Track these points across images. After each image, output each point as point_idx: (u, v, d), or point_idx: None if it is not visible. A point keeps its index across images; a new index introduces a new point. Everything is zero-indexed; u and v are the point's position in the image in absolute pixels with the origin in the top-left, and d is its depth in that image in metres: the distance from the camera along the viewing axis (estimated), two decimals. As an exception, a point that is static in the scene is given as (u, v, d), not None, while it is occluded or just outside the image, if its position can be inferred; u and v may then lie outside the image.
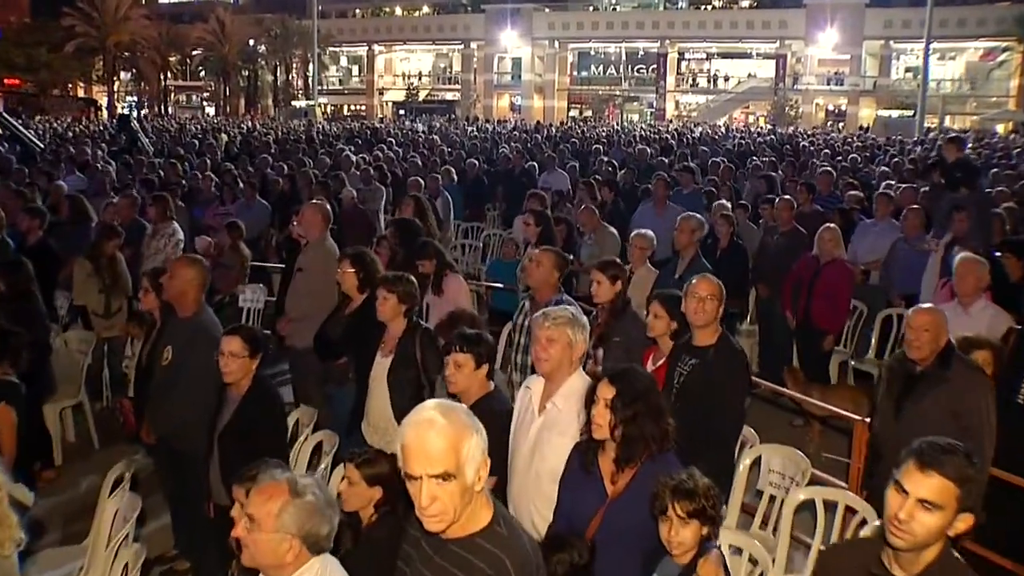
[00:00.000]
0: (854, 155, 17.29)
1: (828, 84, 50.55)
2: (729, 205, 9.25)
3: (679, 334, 4.58)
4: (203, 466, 4.18)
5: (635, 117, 56.42)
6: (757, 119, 54.03)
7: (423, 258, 6.32)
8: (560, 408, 3.59)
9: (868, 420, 4.62)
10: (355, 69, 63.63)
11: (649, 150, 16.36)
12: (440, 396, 4.49)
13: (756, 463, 4.67)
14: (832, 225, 7.25)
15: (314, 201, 6.75)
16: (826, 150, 19.72)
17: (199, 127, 32.60)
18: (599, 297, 5.05)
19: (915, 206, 8.14)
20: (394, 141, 21.62)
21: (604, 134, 28.84)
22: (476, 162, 14.27)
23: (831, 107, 52.68)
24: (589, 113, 56.09)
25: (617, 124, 43.90)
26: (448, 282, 6.33)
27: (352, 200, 10.79)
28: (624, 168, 14.55)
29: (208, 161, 14.67)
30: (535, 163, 14.96)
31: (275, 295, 9.62)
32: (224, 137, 25.39)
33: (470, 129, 34.41)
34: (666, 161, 14.79)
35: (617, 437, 3.07)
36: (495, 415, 3.80)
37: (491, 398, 3.88)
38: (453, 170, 13.53)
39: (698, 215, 7.00)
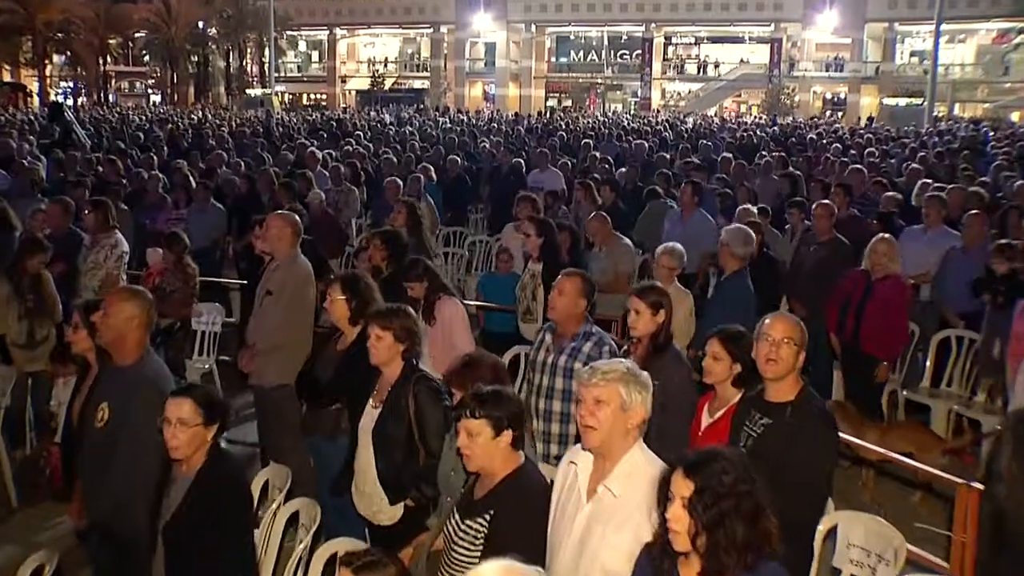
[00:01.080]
0: (871, 149, 16.84)
1: (827, 70, 50.51)
2: (755, 210, 8.70)
3: (745, 380, 3.99)
4: (146, 559, 3.51)
5: (618, 107, 56.16)
6: (750, 108, 54.05)
7: (412, 279, 5.73)
8: (617, 495, 2.97)
9: (978, 485, 4.04)
10: (315, 55, 62.74)
11: (647, 144, 15.79)
12: (446, 468, 3.88)
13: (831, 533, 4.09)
14: (887, 236, 6.71)
15: (281, 212, 6.08)
16: (837, 143, 19.30)
17: (144, 118, 31.59)
18: (637, 329, 4.45)
19: (975, 211, 7.62)
20: (362, 135, 20.88)
21: (590, 126, 28.33)
22: (457, 158, 13.62)
23: (828, 95, 52.72)
24: (569, 103, 55.67)
25: (600, 114, 43.41)
26: (442, 308, 5.74)
27: (321, 204, 10.14)
28: (621, 165, 14.00)
29: (155, 157, 13.90)
30: (521, 159, 14.37)
31: (235, 315, 9.18)
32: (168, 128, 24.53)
33: (442, 120, 33.78)
34: (668, 157, 14.22)
35: (701, 546, 2.46)
36: (529, 498, 3.19)
37: (522, 476, 3.26)
38: (432, 168, 12.88)
39: (745, 227, 6.41)
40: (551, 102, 57.00)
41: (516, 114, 36.51)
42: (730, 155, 13.78)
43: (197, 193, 10.46)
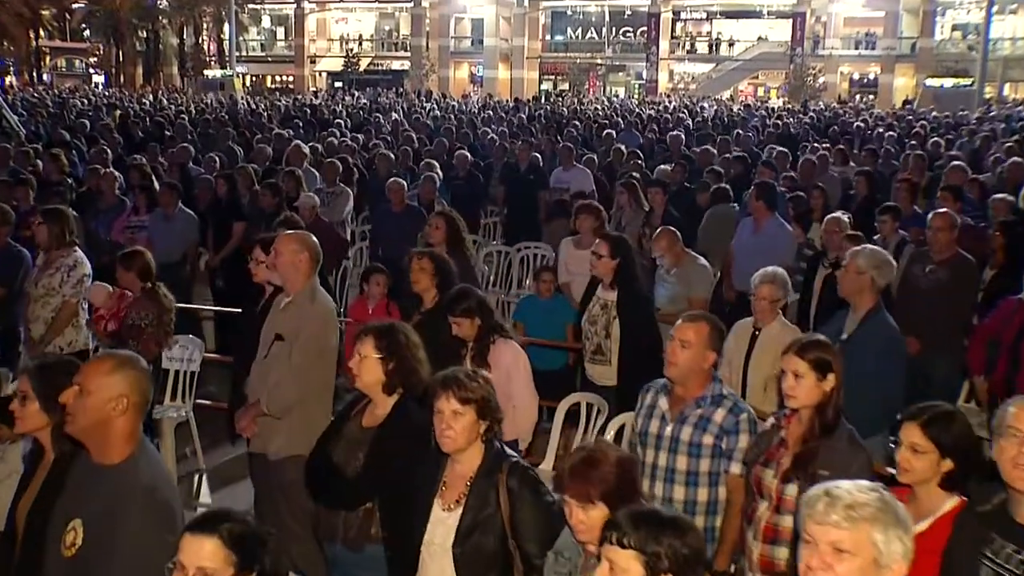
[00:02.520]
0: (935, 139, 16.18)
1: (857, 48, 50.00)
2: (846, 219, 7.92)
3: (958, 482, 3.20)
4: None
5: (620, 90, 55.59)
6: (767, 92, 53.64)
7: (461, 315, 4.95)
8: None
9: None
10: (280, 31, 61.76)
11: (683, 136, 15.03)
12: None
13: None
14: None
15: (295, 232, 5.23)
16: (890, 132, 18.62)
17: (87, 102, 30.54)
18: (797, 398, 3.65)
19: None
20: (343, 123, 20.04)
21: (601, 113, 27.61)
22: (466, 154, 12.82)
23: (856, 76, 52.30)
24: (565, 86, 55.06)
25: (605, 100, 42.71)
26: (499, 353, 5.00)
27: (314, 210, 9.31)
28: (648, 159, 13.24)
29: (107, 151, 12.98)
30: (538, 154, 13.60)
31: (208, 345, 8.33)
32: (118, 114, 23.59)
33: (429, 106, 32.95)
34: (713, 151, 13.46)
35: None
36: None
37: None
38: (436, 164, 12.06)
39: (879, 249, 5.63)
40: (546, 85, 56.53)
41: (517, 99, 35.59)
42: (785, 149, 13.02)
43: (163, 195, 9.60)
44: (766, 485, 3.66)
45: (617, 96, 50.55)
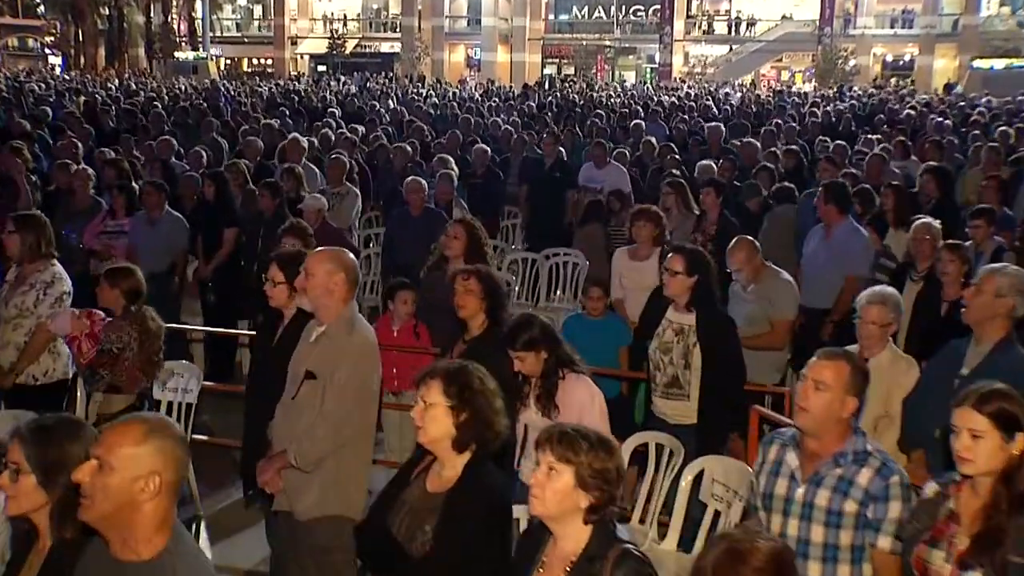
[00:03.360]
0: (1002, 127, 15.79)
1: (892, 27, 49.67)
2: (937, 224, 7.49)
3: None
4: None
5: (630, 75, 55.31)
6: (792, 76, 53.39)
7: (524, 347, 4.54)
8: None
9: None
10: (258, 10, 61.57)
11: (723, 127, 14.61)
12: None
13: None
14: None
15: (329, 248, 4.75)
16: (945, 121, 18.24)
17: (45, 85, 29.95)
18: (975, 463, 3.21)
19: None
20: (337, 112, 19.60)
21: (615, 100, 27.23)
22: (486, 149, 12.40)
23: (889, 58, 52.00)
24: (571, 71, 54.73)
25: (615, 85, 42.38)
26: (571, 391, 4.64)
27: (321, 213, 8.89)
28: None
29: (77, 143, 12.52)
30: (561, 148, 13.19)
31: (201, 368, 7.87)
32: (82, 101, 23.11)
33: (423, 92, 32.52)
34: (757, 144, 13.05)
35: None
36: None
37: None
38: (451, 160, 11.63)
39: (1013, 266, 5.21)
40: (549, 70, 56.21)
41: (526, 85, 35.09)
42: (842, 143, 12.59)
43: (148, 196, 9.15)
44: (935, 570, 3.23)
45: (625, 81, 50.32)
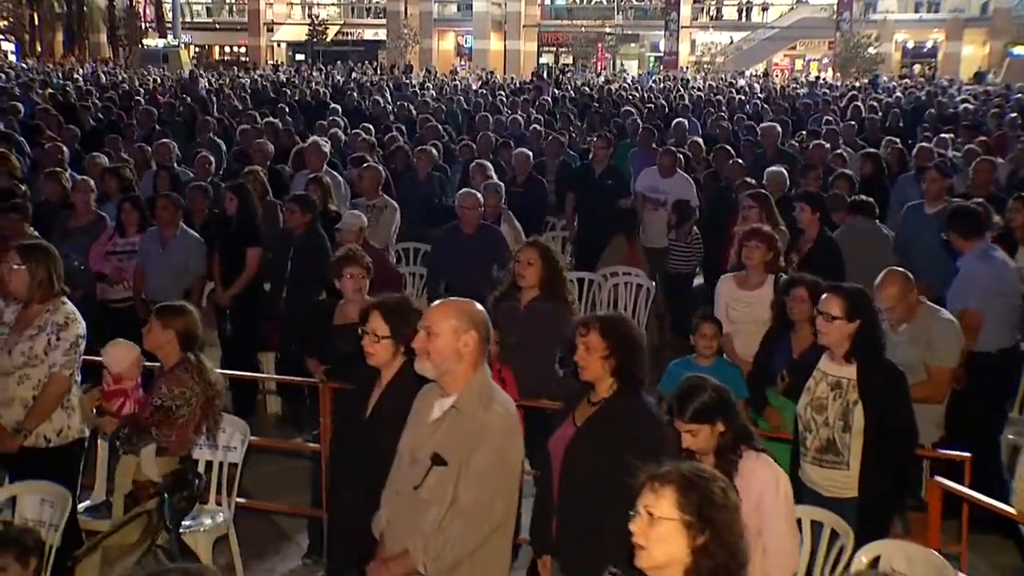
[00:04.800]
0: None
1: (917, 12, 49.36)
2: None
3: None
4: None
5: (633, 64, 54.93)
6: (807, 65, 53.10)
7: (697, 419, 4.16)
8: None
9: None
10: (231, -7, 60.99)
11: (778, 127, 14.00)
12: None
13: None
14: None
15: (453, 302, 4.12)
16: (1014, 114, 17.76)
17: (4, 76, 29.08)
18: None
19: None
20: (340, 109, 18.95)
21: (634, 94, 26.73)
22: (528, 153, 11.82)
23: (910, 45, 51.72)
24: (570, 60, 54.32)
25: (625, 75, 41.90)
26: (751, 473, 4.20)
27: (362, 233, 8.30)
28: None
29: (63, 147, 11.84)
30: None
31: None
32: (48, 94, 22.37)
33: (416, 82, 31.94)
34: (827, 146, 12.51)
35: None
36: None
37: None
38: (491, 167, 11.05)
39: None
40: (546, 58, 55.81)
41: (539, 76, 34.46)
42: (928, 146, 12.03)
43: (163, 211, 8.56)
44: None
45: (625, 71, 49.89)
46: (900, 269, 6.08)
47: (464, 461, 3.79)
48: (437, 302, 4.15)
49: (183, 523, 5.58)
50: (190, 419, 5.41)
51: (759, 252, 6.92)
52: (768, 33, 52.24)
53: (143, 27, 55.95)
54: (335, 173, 10.87)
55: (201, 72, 34.94)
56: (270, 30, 57.81)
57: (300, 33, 55.36)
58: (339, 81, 32.29)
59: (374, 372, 4.62)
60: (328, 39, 54.40)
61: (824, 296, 5.12)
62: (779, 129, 13.77)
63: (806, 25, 51.16)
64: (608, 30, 54.90)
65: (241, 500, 6.58)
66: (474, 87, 31.46)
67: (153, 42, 49.88)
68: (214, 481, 6.19)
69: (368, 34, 56.53)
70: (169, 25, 54.25)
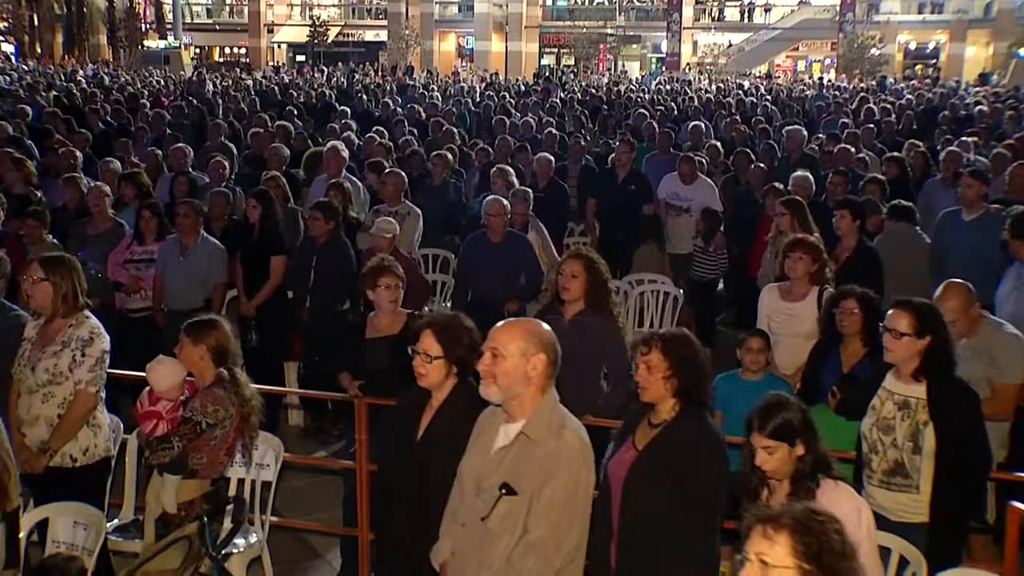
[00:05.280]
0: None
1: (920, 13, 49.16)
2: None
3: None
4: None
5: (634, 66, 54.73)
6: (810, 66, 52.95)
7: (776, 436, 4.04)
8: None
9: None
10: (231, -6, 60.82)
11: (803, 130, 13.76)
12: None
13: None
14: None
15: (519, 323, 3.91)
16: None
17: (7, 79, 28.84)
18: None
19: None
20: (349, 112, 18.72)
21: (641, 96, 26.51)
22: (550, 157, 11.61)
23: (912, 46, 51.56)
24: (571, 61, 54.10)
25: (633, 77, 41.69)
26: (828, 503, 3.85)
27: (394, 241, 8.12)
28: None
29: (76, 152, 11.64)
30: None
31: None
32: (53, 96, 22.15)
33: (419, 84, 31.66)
34: (851, 149, 12.28)
35: None
36: None
37: None
38: (512, 172, 10.83)
39: None
40: (547, 59, 55.53)
41: (547, 78, 34.17)
42: (956, 149, 11.77)
43: (184, 219, 8.34)
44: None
45: (625, 72, 49.62)
46: (961, 281, 5.86)
47: (535, 492, 3.59)
48: (503, 323, 3.91)
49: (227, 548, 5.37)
50: (223, 441, 5.23)
51: (803, 263, 6.72)
52: (770, 34, 52.08)
53: (143, 28, 55.68)
54: (354, 179, 10.64)
55: (209, 74, 34.63)
56: (270, 31, 57.65)
57: (301, 34, 55.18)
58: (343, 83, 32.11)
59: (423, 392, 4.40)
60: (329, 40, 54.17)
61: (891, 311, 4.90)
62: (804, 133, 13.53)
63: (809, 26, 51.09)
64: (610, 31, 54.63)
65: (273, 518, 6.38)
66: (478, 89, 31.23)
67: (154, 43, 49.70)
68: (253, 499, 5.99)
69: (369, 35, 56.36)
70: (169, 26, 54.06)
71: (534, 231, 9.19)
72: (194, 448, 5.10)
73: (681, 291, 9.80)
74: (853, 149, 12.41)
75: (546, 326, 3.88)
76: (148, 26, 56.22)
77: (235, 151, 13.63)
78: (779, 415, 3.93)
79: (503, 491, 3.63)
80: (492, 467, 3.73)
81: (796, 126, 14.12)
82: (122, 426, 6.03)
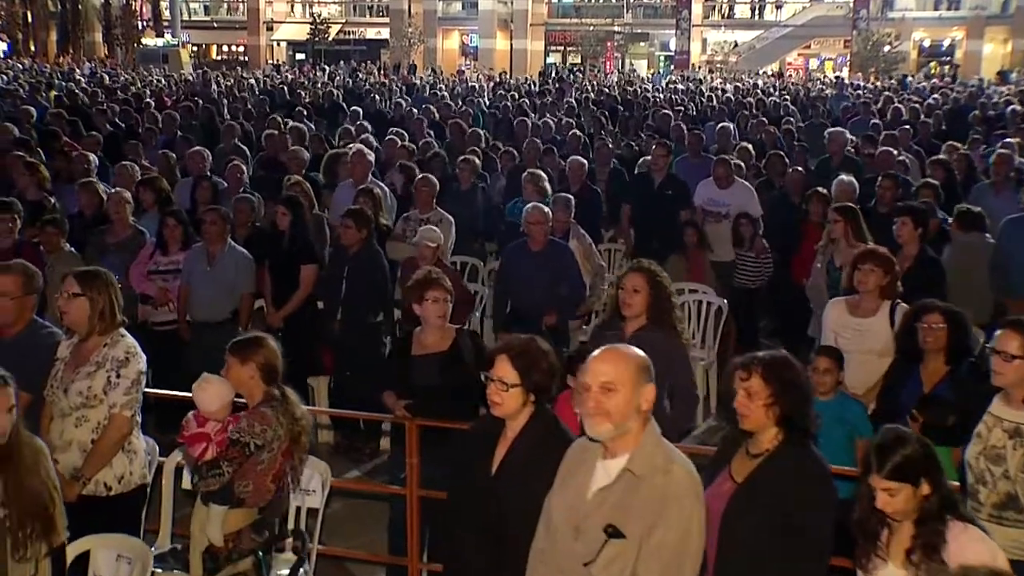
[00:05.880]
0: None
1: (936, 9, 48.97)
2: None
3: None
4: None
5: (642, 64, 54.54)
6: (822, 64, 52.76)
7: (900, 476, 3.77)
8: None
9: None
10: (230, -9, 60.69)
11: (846, 132, 13.45)
12: None
13: None
14: None
15: (623, 351, 3.68)
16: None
17: (4, 78, 28.54)
18: None
19: None
20: (360, 112, 18.50)
21: (658, 95, 26.29)
22: (582, 161, 11.35)
23: (927, 44, 51.39)
24: (577, 59, 53.90)
25: (646, 76, 41.47)
26: (959, 548, 3.80)
27: (439, 252, 7.98)
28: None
29: (88, 156, 11.38)
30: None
31: None
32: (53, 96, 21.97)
33: (425, 82, 31.45)
34: (893, 152, 12.03)
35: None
36: None
37: None
38: (545, 177, 10.59)
39: None
40: (553, 58, 55.31)
41: (560, 78, 33.86)
42: (1006, 151, 11.53)
43: (210, 227, 8.11)
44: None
45: (634, 70, 49.40)
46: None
47: (645, 533, 3.36)
48: (604, 351, 3.66)
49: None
50: (270, 466, 5.01)
51: (875, 276, 6.48)
52: (782, 32, 51.96)
53: (139, 26, 55.43)
54: (381, 184, 10.39)
55: (214, 74, 34.32)
56: (270, 29, 57.44)
57: (301, 32, 54.97)
58: (348, 82, 31.89)
59: (496, 420, 4.16)
60: (330, 38, 53.94)
61: (1001, 331, 4.66)
62: (848, 135, 13.25)
63: (821, 23, 50.84)
64: (617, 29, 54.37)
65: (322, 547, 6.12)
66: (485, 88, 30.98)
67: (152, 41, 49.45)
68: (289, 526, 5.73)
69: (371, 33, 56.23)
70: (167, 24, 53.78)
71: (575, 239, 8.97)
72: (240, 474, 4.89)
73: (725, 301, 9.54)
74: (895, 152, 12.13)
75: (637, 350, 3.65)
76: (145, 23, 56.00)
77: (247, 152, 13.43)
78: (898, 453, 3.68)
79: (609, 534, 3.39)
80: (593, 508, 3.49)
81: (837, 128, 13.80)
82: (157, 449, 5.79)
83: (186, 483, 5.69)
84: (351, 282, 8.07)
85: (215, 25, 59.11)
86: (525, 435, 4.08)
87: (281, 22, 57.84)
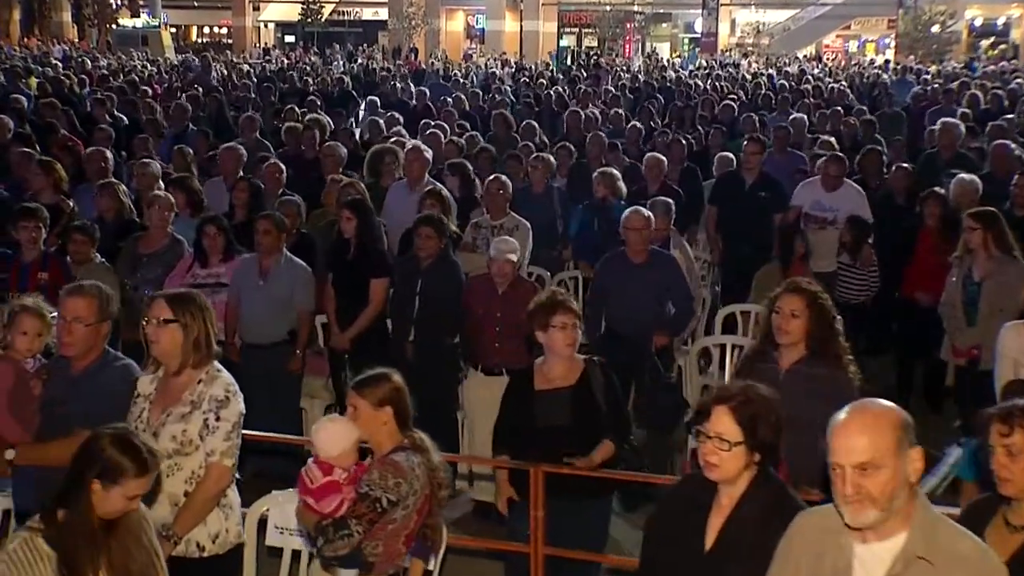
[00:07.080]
0: None
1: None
2: None
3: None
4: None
5: (664, 47, 54.33)
6: (863, 46, 52.56)
7: None
8: None
9: None
10: (212, -33, 60.25)
11: (961, 125, 13.04)
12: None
13: None
14: None
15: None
16: None
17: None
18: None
19: None
20: (378, 101, 18.25)
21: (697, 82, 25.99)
22: (661, 157, 11.09)
23: (978, 23, 51.14)
24: (594, 43, 53.66)
25: (674, 61, 41.21)
26: None
27: (517, 266, 7.72)
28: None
29: (106, 153, 10.99)
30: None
31: None
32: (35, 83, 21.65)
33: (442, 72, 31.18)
34: (1015, 149, 11.68)
35: None
36: None
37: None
38: (618, 175, 10.28)
39: None
40: (566, 40, 55.02)
41: (598, 65, 33.41)
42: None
43: (264, 235, 7.77)
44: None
45: (656, 52, 49.15)
46: None
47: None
48: (850, 419, 3.20)
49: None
50: (403, 525, 4.66)
51: None
52: (819, 11, 51.77)
53: (114, 5, 55.16)
54: (440, 185, 10.04)
55: (216, 60, 33.96)
56: (256, 8, 57.30)
57: (291, 12, 54.69)
58: (352, 68, 31.58)
59: (707, 484, 3.79)
60: (323, 19, 53.66)
61: None
62: (962, 128, 12.85)
63: (863, 2, 50.55)
64: (637, 9, 54.25)
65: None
66: (498, 74, 30.61)
67: (129, 22, 49.17)
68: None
69: (367, 13, 56.09)
70: (143, 3, 53.42)
71: (677, 248, 8.67)
72: (370, 535, 4.55)
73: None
74: (1014, 146, 11.78)
75: (893, 406, 3.26)
76: (119, 3, 55.74)
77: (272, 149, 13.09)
78: None
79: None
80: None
81: (952, 120, 13.31)
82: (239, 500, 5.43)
83: (271, 539, 5.40)
84: (425, 298, 7.76)
85: (196, 4, 58.72)
86: (747, 504, 3.72)
87: (269, 1, 57.68)
